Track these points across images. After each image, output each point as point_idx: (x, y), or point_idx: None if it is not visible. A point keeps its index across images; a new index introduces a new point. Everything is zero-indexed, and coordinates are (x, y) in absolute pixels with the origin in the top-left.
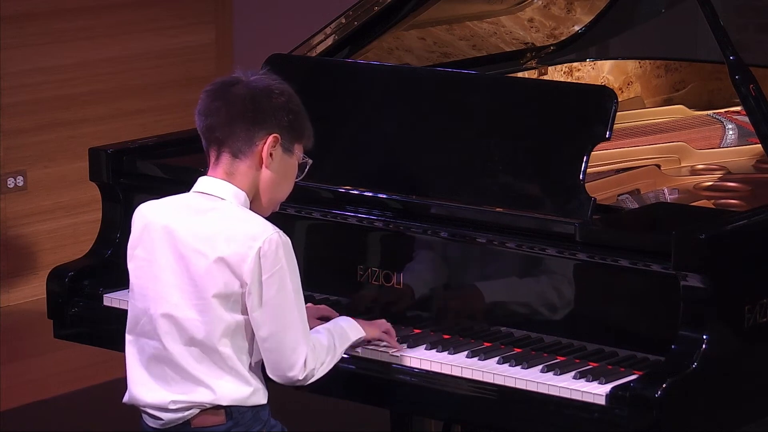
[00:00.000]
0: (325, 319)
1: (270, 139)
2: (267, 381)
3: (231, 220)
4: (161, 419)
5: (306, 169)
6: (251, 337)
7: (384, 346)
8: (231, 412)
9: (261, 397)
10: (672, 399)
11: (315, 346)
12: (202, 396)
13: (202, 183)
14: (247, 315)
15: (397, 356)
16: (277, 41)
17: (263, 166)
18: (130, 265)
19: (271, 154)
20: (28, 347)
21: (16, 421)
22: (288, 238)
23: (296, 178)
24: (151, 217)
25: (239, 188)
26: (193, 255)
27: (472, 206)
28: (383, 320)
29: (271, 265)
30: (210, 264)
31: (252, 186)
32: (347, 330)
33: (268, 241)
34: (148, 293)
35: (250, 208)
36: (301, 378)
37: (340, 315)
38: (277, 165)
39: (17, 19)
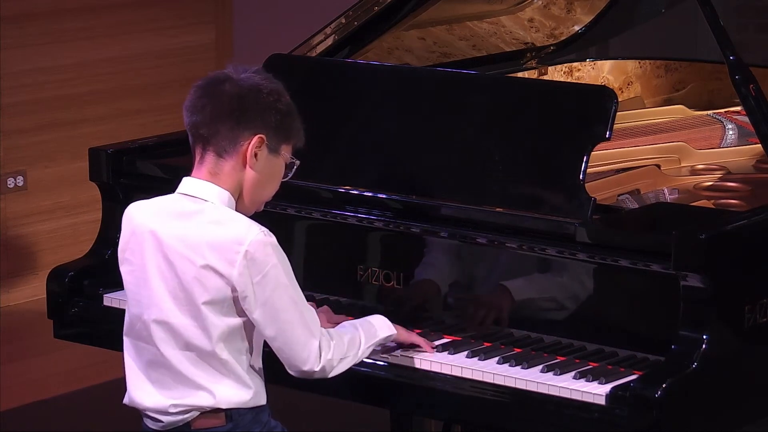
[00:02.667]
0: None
1: (255, 139)
2: (266, 381)
3: (215, 224)
4: (161, 421)
5: (294, 170)
6: (249, 337)
7: (414, 351)
8: (231, 414)
9: (261, 398)
10: (672, 399)
11: (333, 338)
12: (202, 400)
13: (186, 184)
14: (244, 316)
15: (397, 356)
16: (277, 41)
17: (247, 166)
18: (122, 269)
19: (255, 155)
20: (28, 347)
21: (16, 421)
22: (273, 235)
23: (283, 178)
24: (138, 221)
25: (223, 188)
26: (180, 261)
27: (472, 206)
28: (418, 336)
29: (261, 266)
30: (197, 271)
31: (236, 186)
32: (376, 327)
33: (254, 242)
34: (142, 299)
35: (235, 208)
36: (317, 370)
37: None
38: (262, 165)
39: (17, 19)
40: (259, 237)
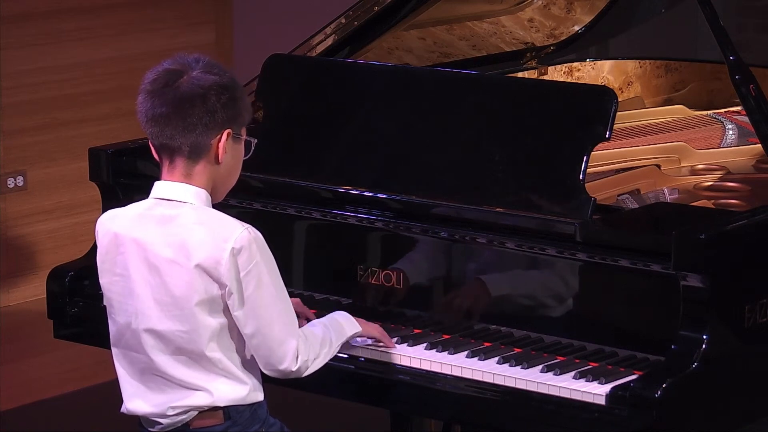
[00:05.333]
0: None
1: (224, 135)
2: (265, 379)
3: (199, 225)
4: (160, 423)
5: (252, 148)
6: (239, 335)
7: (382, 346)
8: (229, 412)
9: (258, 395)
10: (672, 399)
11: (308, 338)
12: (200, 399)
13: (162, 188)
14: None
15: (397, 356)
16: (277, 41)
17: (219, 161)
18: (103, 280)
19: (225, 149)
20: (28, 347)
21: (16, 421)
22: (258, 232)
23: (244, 157)
24: (118, 230)
25: (199, 187)
26: (167, 266)
27: (472, 206)
28: (377, 324)
29: (246, 262)
30: (187, 273)
31: (209, 181)
32: (343, 324)
33: (239, 239)
34: (128, 309)
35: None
36: (293, 369)
37: (333, 311)
38: (230, 155)
39: (17, 19)
40: (244, 234)
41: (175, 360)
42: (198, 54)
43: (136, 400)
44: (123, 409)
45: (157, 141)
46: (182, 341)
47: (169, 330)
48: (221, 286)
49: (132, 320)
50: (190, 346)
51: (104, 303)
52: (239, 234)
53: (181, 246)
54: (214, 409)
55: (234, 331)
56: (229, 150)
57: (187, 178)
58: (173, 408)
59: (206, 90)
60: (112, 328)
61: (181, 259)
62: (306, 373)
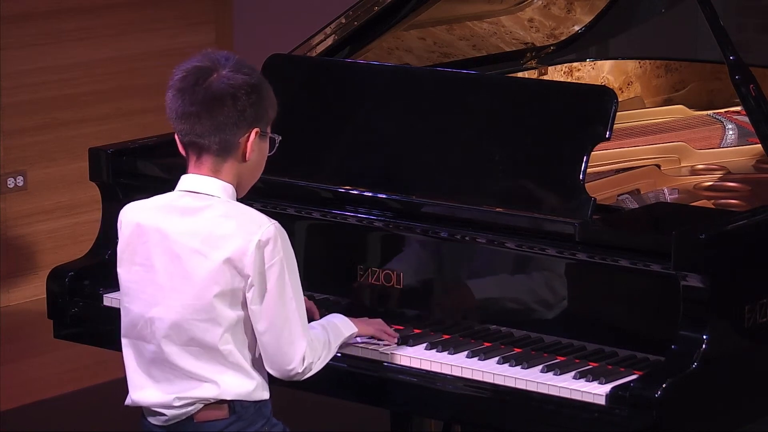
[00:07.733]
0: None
1: (253, 134)
2: (271, 380)
3: (225, 217)
4: (165, 416)
5: (276, 144)
6: (252, 331)
7: (383, 344)
8: (234, 406)
9: (264, 392)
10: (672, 399)
11: (312, 340)
12: (207, 391)
13: (189, 181)
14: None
15: (397, 356)
16: (277, 41)
17: (246, 159)
18: (121, 270)
19: (252, 147)
20: (28, 347)
21: (16, 421)
22: (283, 229)
23: (268, 154)
24: (141, 220)
25: (226, 182)
26: (190, 257)
27: (472, 206)
28: (379, 319)
29: (270, 256)
30: (210, 264)
31: (236, 177)
32: (340, 327)
33: (266, 232)
34: (146, 297)
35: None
36: (300, 371)
37: (331, 313)
38: (256, 152)
39: (17, 19)
40: (270, 228)
41: (186, 351)
42: (227, 51)
43: (143, 390)
44: (128, 401)
45: (185, 138)
46: (197, 331)
47: (185, 320)
48: (244, 277)
49: (148, 309)
50: (205, 337)
51: (119, 293)
52: (266, 228)
53: (208, 238)
54: (220, 402)
55: (249, 325)
56: (256, 147)
57: (216, 173)
58: (180, 399)
59: (237, 89)
60: (125, 318)
61: (206, 250)
62: (306, 376)
